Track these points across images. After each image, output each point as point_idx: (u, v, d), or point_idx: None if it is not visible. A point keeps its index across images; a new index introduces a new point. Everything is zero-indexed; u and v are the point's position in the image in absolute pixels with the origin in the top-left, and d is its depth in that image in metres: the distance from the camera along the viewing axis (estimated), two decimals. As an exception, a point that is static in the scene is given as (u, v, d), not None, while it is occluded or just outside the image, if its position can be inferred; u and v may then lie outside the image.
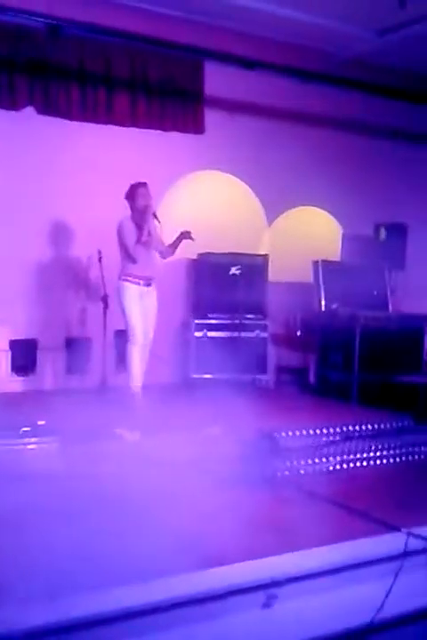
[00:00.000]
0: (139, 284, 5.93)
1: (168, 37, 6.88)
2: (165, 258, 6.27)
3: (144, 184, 5.98)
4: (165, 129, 7.46)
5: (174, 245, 6.17)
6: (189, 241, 6.23)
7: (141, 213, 5.90)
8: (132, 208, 5.99)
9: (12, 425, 4.40)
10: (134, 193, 5.97)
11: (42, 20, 6.07)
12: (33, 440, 4.29)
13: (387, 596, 3.28)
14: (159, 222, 6.02)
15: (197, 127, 7.66)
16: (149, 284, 6.00)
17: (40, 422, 4.55)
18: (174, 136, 7.52)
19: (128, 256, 5.92)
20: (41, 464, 4.20)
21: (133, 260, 5.89)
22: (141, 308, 5.96)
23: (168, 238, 6.21)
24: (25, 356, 6.80)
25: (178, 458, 4.46)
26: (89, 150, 6.91)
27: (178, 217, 7.14)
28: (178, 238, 6.15)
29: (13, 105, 6.63)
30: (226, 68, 7.23)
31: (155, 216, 5.97)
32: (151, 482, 4.15)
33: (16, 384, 6.72)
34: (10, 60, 6.54)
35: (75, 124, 6.94)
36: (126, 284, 5.92)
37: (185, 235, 6.13)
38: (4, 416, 4.96)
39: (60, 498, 3.84)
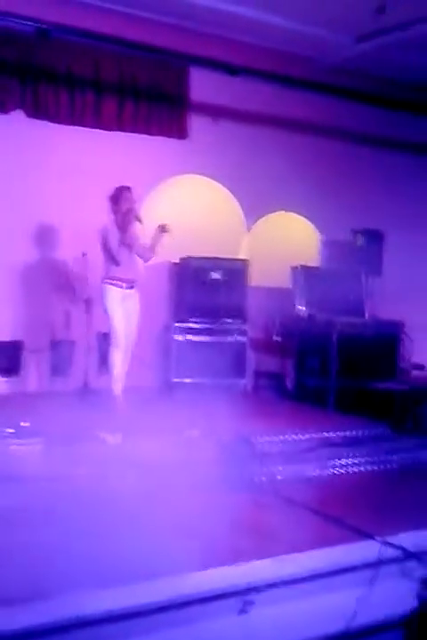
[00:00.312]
0: (121, 286, 5.96)
1: (155, 42, 6.93)
2: (146, 260, 6.26)
3: (128, 188, 6.01)
4: (150, 133, 7.52)
5: (153, 245, 6.14)
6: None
7: (124, 216, 5.93)
8: (116, 211, 6.02)
9: (-4, 426, 4.44)
10: (119, 196, 5.99)
11: (31, 23, 6.09)
12: (17, 441, 4.33)
13: (361, 604, 3.35)
14: (141, 223, 6.06)
15: (181, 132, 7.72)
16: (131, 287, 6.03)
17: (24, 424, 4.59)
18: (159, 140, 7.57)
19: (111, 259, 5.94)
20: (24, 465, 4.25)
21: (117, 263, 5.91)
22: (124, 311, 6.00)
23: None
24: (9, 358, 6.79)
25: (157, 461, 4.50)
26: (76, 154, 6.94)
27: (159, 220, 7.18)
28: (155, 236, 6.10)
29: (3, 108, 6.67)
30: (211, 74, 7.28)
31: (137, 218, 6.01)
32: (131, 484, 4.18)
33: (0, 385, 6.72)
34: (0, 63, 6.56)
35: (63, 127, 7.00)
36: (109, 286, 5.96)
37: (161, 229, 6.08)
38: (-12, 418, 5.01)
39: (43, 499, 3.87)
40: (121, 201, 5.97)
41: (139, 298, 6.12)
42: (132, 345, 6.09)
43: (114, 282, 5.95)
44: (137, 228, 6.03)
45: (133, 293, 6.06)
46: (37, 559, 3.12)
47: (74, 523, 3.57)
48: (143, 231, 6.11)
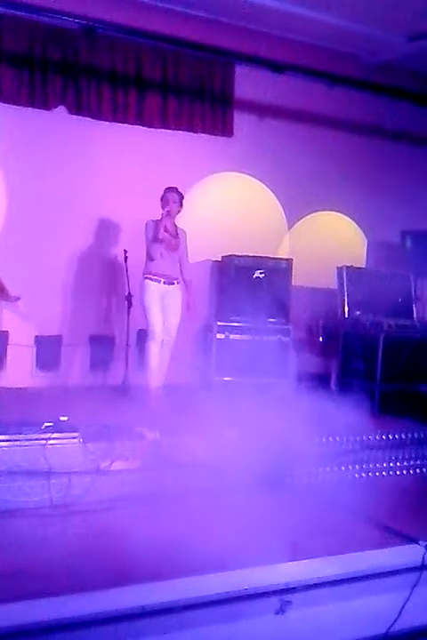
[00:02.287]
0: (159, 282, 6.01)
1: (199, 40, 6.89)
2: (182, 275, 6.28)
3: (171, 189, 6.08)
4: (194, 131, 7.50)
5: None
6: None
7: (162, 215, 6.01)
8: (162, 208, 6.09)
9: (35, 420, 4.44)
10: (163, 196, 6.08)
11: (76, 20, 6.11)
12: (55, 436, 4.32)
13: (403, 609, 3.27)
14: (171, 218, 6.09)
15: (226, 130, 7.69)
16: (170, 283, 6.05)
17: (62, 418, 4.59)
18: (202, 138, 7.55)
19: (147, 254, 6.03)
20: (62, 460, 4.24)
21: (150, 257, 5.98)
22: (163, 307, 6.02)
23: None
24: (49, 353, 6.85)
25: (194, 459, 4.48)
26: (118, 150, 6.99)
27: (199, 218, 7.17)
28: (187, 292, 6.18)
29: (45, 104, 6.72)
30: (255, 71, 7.22)
31: (169, 214, 6.03)
32: (166, 482, 4.21)
33: (40, 379, 6.79)
34: (43, 59, 6.63)
35: (105, 124, 7.02)
36: (147, 281, 6.02)
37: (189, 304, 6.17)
38: (27, 411, 5.04)
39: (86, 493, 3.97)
40: (163, 200, 6.06)
41: (181, 295, 6.09)
42: (172, 341, 6.09)
43: (151, 277, 6.00)
44: (169, 227, 6.05)
45: (174, 290, 6.08)
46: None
47: (101, 519, 3.69)
48: (176, 231, 6.11)
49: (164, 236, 5.97)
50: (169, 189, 6.07)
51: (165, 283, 6.02)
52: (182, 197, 6.13)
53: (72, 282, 7.00)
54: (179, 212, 6.13)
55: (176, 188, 6.08)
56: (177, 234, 6.12)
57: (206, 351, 7.20)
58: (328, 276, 7.45)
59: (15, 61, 6.52)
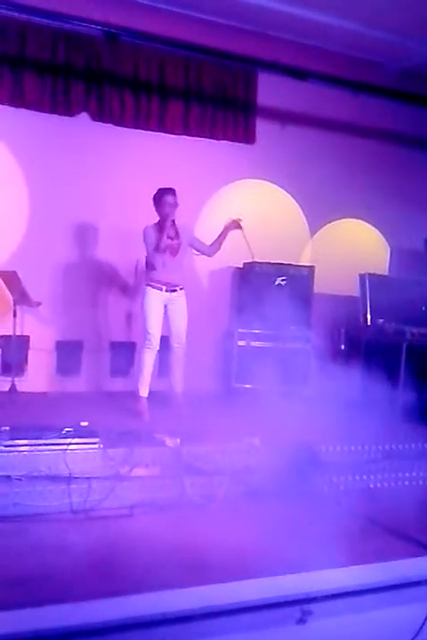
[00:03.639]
0: (161, 289, 5.84)
1: (222, 47, 6.89)
2: (211, 256, 6.15)
3: (170, 190, 5.85)
4: (216, 138, 7.49)
5: (219, 241, 6.05)
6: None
7: (163, 220, 5.82)
8: (158, 213, 5.90)
9: (56, 425, 4.46)
10: (160, 199, 5.85)
11: (99, 27, 6.14)
12: (75, 441, 4.33)
13: (426, 621, 3.23)
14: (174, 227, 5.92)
15: (248, 137, 7.67)
16: (173, 290, 5.89)
17: (83, 423, 4.60)
18: (224, 145, 7.54)
19: (147, 262, 5.93)
20: (83, 465, 4.25)
21: (152, 267, 5.87)
22: (170, 314, 5.89)
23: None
24: (70, 358, 6.87)
25: (214, 466, 4.46)
26: (140, 157, 7.00)
27: (221, 225, 7.13)
28: (223, 232, 6.02)
29: (68, 111, 6.76)
30: (278, 79, 7.21)
31: (172, 223, 5.86)
32: (187, 489, 4.20)
33: (60, 384, 6.81)
34: (66, 66, 6.68)
35: (127, 131, 7.04)
36: (148, 288, 5.87)
37: (231, 226, 6.00)
38: (47, 416, 5.06)
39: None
40: (162, 204, 5.84)
41: (185, 301, 5.95)
42: (183, 348, 5.98)
43: (153, 284, 5.87)
44: (171, 231, 5.86)
45: (177, 296, 5.92)
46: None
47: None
48: (177, 232, 5.94)
49: (166, 244, 5.81)
50: (165, 191, 5.84)
51: (167, 290, 5.87)
52: (176, 195, 5.87)
53: (93, 288, 7.02)
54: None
55: (171, 189, 5.85)
56: (178, 234, 5.93)
57: (227, 358, 7.19)
58: (350, 284, 7.40)
59: (38, 68, 6.57)
